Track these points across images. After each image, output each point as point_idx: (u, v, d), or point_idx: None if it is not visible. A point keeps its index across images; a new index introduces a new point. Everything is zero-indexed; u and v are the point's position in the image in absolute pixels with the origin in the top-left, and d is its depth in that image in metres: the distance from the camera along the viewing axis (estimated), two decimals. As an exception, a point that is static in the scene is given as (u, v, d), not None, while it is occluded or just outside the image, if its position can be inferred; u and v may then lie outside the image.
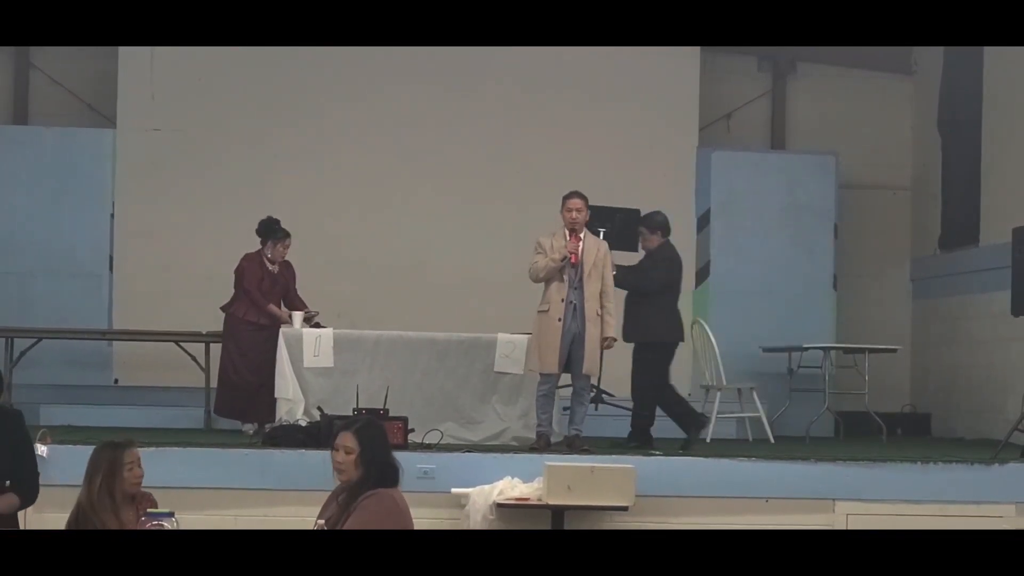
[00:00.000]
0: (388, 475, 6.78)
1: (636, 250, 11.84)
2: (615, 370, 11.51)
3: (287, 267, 12.25)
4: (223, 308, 12.16)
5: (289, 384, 11.38)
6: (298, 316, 11.71)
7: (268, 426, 11.29)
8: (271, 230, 12.12)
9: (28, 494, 7.52)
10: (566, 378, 11.04)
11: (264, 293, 12.04)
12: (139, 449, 7.39)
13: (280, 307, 12.07)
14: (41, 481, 7.65)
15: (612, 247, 11.18)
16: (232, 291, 12.16)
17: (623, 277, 11.30)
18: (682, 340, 11.71)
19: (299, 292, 12.25)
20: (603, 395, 11.95)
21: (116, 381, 13.92)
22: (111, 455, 7.21)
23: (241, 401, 11.98)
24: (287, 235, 12.12)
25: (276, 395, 11.41)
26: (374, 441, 6.84)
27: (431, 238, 14.14)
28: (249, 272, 12.06)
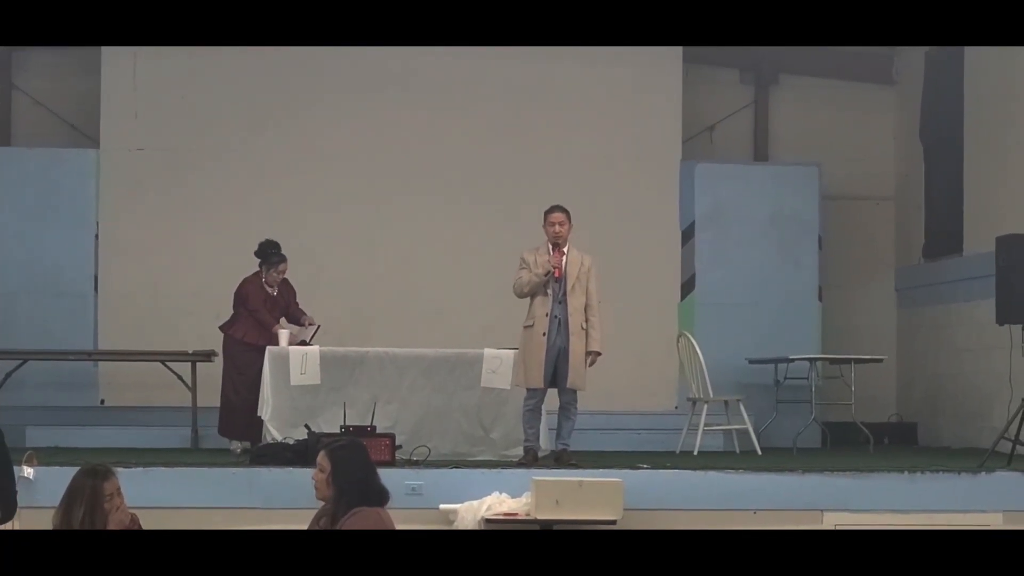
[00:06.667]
0: (369, 496, 6.71)
1: None
2: (599, 382, 11.47)
3: (286, 286, 12.26)
4: (222, 328, 12.13)
5: (267, 405, 11.38)
6: (284, 334, 11.69)
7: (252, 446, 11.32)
8: (266, 255, 12.10)
9: (5, 511, 7.40)
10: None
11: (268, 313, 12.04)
12: (125, 470, 7.31)
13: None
14: (29, 503, 7.63)
15: None
16: (231, 311, 12.15)
17: None
18: None
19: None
20: None
21: (102, 401, 13.88)
22: (92, 485, 6.87)
23: (242, 421, 11.92)
24: (282, 260, 12.11)
25: (258, 414, 11.44)
26: (347, 463, 6.77)
27: (416, 254, 14.13)
28: (253, 295, 12.04)
